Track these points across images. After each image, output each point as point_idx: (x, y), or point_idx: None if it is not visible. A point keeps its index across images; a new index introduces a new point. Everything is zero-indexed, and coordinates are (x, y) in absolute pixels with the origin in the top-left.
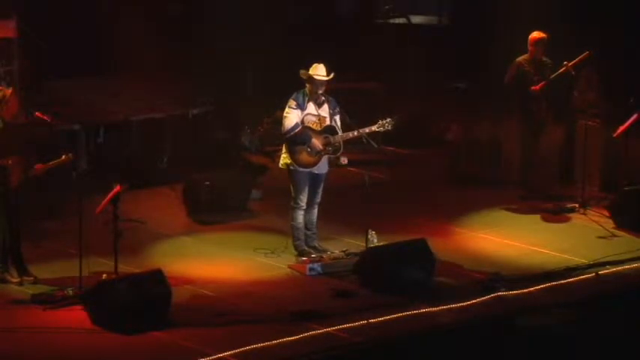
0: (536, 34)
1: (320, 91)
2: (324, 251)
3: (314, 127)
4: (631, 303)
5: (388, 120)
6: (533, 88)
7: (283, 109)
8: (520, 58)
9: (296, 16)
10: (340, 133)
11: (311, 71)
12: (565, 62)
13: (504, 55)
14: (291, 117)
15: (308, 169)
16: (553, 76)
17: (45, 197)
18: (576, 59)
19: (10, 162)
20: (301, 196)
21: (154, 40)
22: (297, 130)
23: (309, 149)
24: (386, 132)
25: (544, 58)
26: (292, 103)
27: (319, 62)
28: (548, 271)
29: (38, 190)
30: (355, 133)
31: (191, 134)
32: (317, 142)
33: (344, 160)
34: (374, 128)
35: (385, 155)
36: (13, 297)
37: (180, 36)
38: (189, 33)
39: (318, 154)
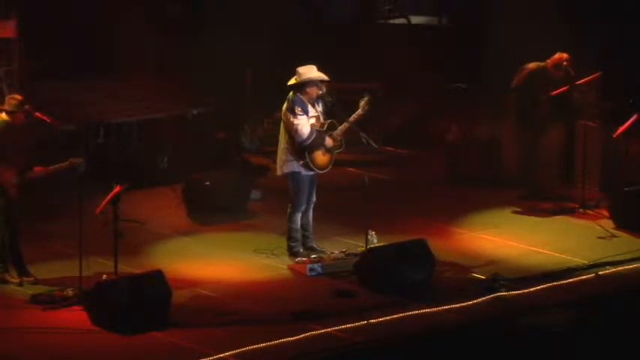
0: (565, 56)
1: (320, 92)
2: (323, 251)
3: (319, 128)
4: (631, 303)
5: (365, 99)
6: (552, 93)
7: (282, 109)
8: (533, 65)
9: (296, 16)
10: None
11: (308, 74)
12: (573, 75)
13: (504, 56)
14: (305, 124)
15: (313, 172)
16: (554, 93)
17: (45, 197)
18: (585, 79)
19: (9, 162)
20: (302, 200)
21: (154, 40)
22: (314, 136)
23: (324, 148)
24: (385, 131)
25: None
26: (298, 109)
27: (310, 64)
28: (548, 271)
29: (38, 190)
30: (347, 124)
31: (191, 134)
32: (330, 140)
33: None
34: (360, 112)
35: (385, 155)
36: (13, 297)
37: (179, 36)
38: (188, 33)
39: (331, 152)
